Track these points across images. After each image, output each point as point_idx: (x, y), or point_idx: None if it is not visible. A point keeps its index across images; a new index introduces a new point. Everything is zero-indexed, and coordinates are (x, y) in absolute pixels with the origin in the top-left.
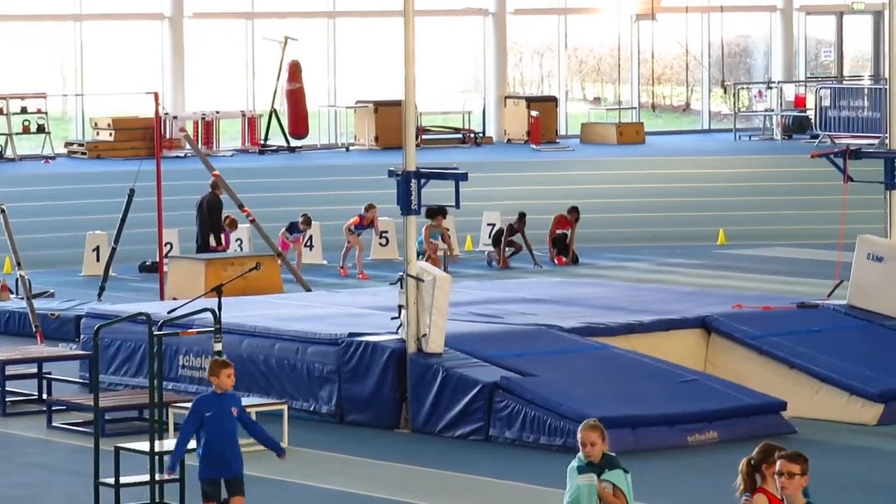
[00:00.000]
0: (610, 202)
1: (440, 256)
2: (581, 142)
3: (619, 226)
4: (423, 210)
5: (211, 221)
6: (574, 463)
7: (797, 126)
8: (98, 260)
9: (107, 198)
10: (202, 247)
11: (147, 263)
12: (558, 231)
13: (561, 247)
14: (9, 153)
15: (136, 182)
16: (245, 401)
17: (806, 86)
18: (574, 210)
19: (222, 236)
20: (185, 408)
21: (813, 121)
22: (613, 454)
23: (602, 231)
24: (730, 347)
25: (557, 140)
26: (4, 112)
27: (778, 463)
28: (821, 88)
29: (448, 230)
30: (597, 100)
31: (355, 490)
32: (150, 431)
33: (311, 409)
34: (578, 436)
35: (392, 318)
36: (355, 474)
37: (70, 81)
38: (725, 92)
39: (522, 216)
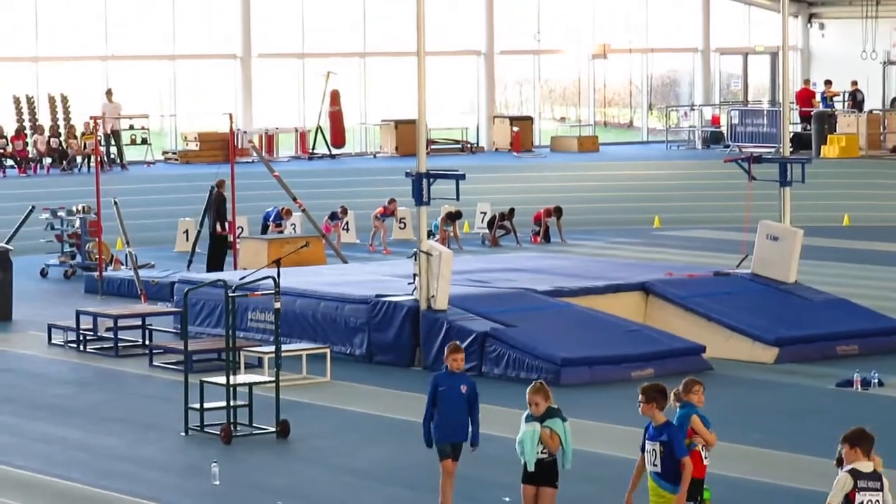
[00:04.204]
0: (573, 195)
1: (450, 238)
2: (551, 150)
3: (579, 213)
4: (446, 210)
5: (218, 212)
6: (525, 412)
7: (713, 138)
8: (187, 240)
9: (193, 192)
10: (211, 233)
11: None
12: (537, 221)
13: (544, 232)
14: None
15: (216, 181)
16: (296, 345)
17: (720, 108)
18: (558, 210)
19: (227, 224)
20: (254, 352)
21: (725, 134)
22: (556, 407)
23: (566, 218)
24: (663, 305)
25: (533, 149)
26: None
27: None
28: (731, 110)
29: (456, 225)
30: (562, 119)
31: (381, 413)
32: (227, 369)
33: (348, 352)
34: (526, 396)
35: (408, 284)
36: (381, 401)
37: (166, 105)
38: (652, 114)
39: (512, 210)
